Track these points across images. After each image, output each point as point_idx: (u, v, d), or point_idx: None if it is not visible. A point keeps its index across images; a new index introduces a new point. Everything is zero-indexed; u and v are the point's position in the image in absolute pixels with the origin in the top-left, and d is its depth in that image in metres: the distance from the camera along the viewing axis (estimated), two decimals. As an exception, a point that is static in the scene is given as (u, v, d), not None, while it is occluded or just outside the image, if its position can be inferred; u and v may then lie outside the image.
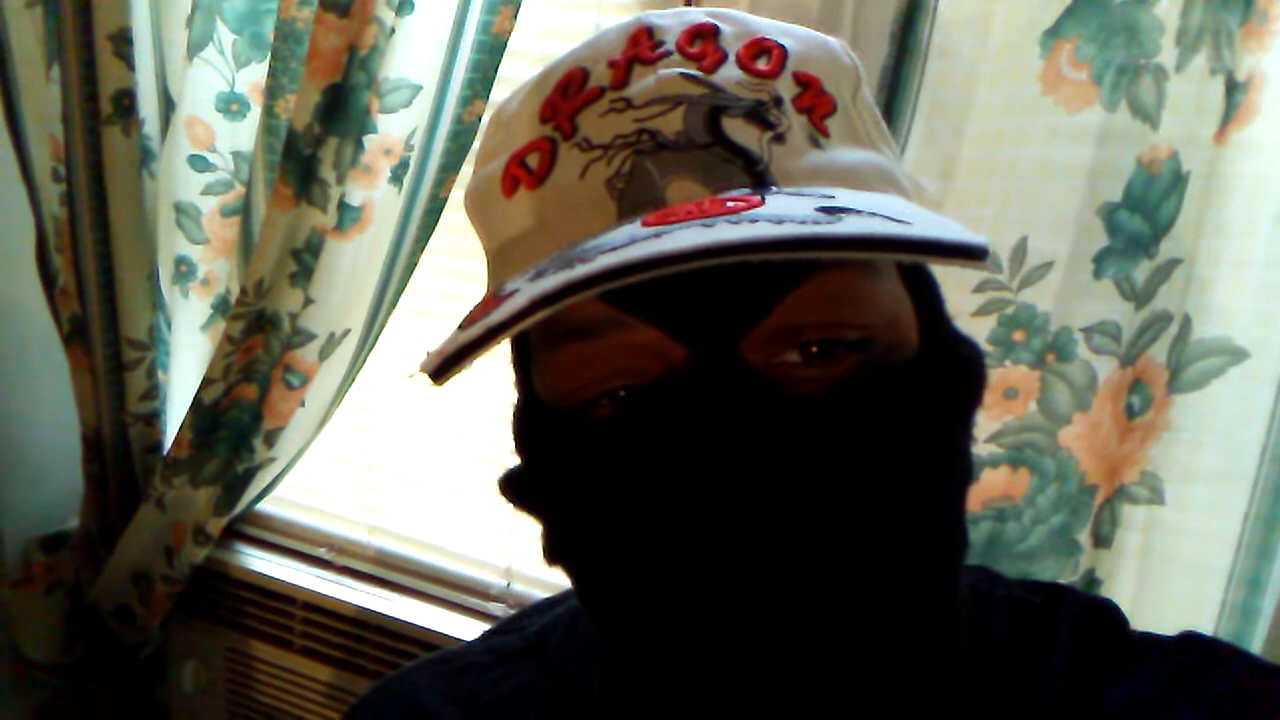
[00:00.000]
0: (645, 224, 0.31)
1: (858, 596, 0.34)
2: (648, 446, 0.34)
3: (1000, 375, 0.71)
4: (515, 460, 0.42)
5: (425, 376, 0.30)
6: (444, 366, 0.29)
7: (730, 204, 0.31)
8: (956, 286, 0.70)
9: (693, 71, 0.37)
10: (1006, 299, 0.70)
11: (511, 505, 0.42)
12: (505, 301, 0.30)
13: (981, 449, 0.72)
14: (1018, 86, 0.67)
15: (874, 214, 0.30)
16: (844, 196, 0.33)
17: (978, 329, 0.71)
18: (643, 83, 0.37)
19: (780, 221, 0.29)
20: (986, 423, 0.72)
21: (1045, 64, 0.66)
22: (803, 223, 0.29)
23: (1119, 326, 0.69)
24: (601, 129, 0.36)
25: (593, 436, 0.36)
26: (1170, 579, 0.71)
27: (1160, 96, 0.64)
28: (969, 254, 0.28)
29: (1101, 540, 0.72)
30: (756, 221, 0.29)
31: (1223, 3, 0.62)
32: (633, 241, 0.29)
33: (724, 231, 0.28)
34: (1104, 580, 0.72)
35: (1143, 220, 0.67)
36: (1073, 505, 0.72)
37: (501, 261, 0.40)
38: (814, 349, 0.35)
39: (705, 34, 0.38)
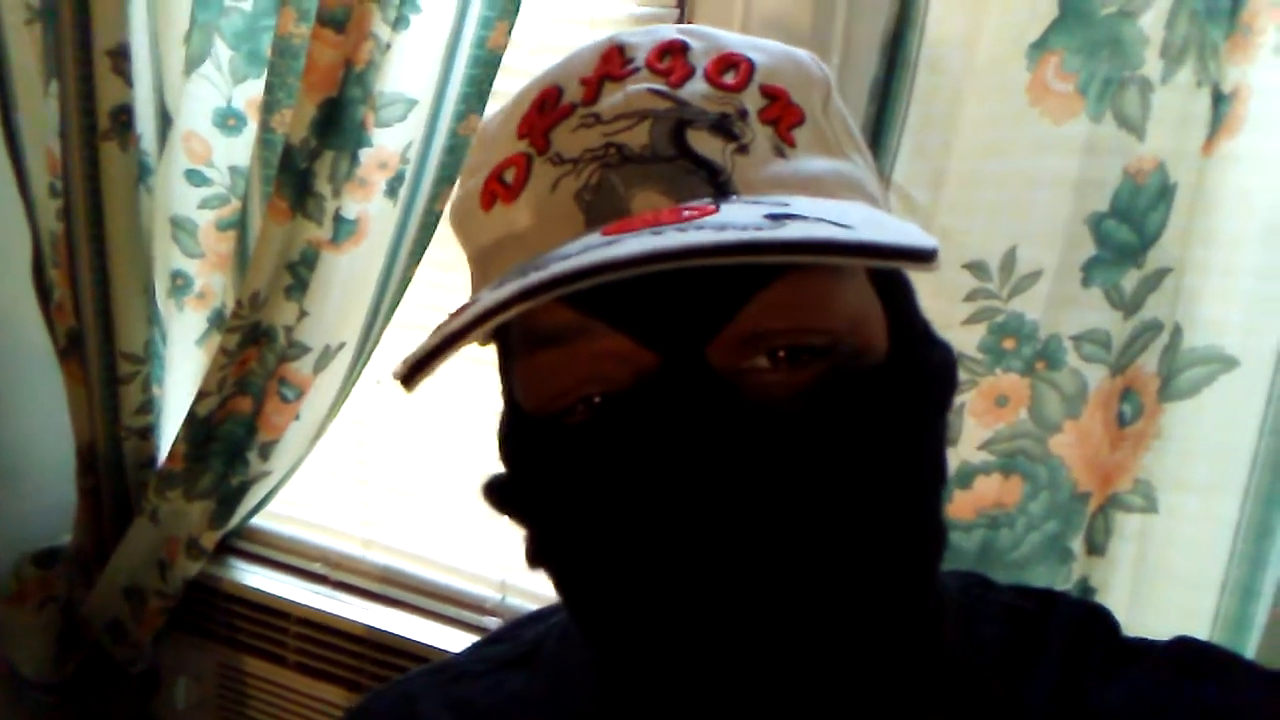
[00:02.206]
0: (605, 233, 0.33)
1: (826, 596, 0.35)
2: (618, 452, 0.35)
3: (991, 383, 0.72)
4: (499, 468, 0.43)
5: (397, 382, 0.32)
6: (411, 372, 0.31)
7: (685, 213, 0.32)
8: (947, 296, 0.71)
9: (659, 86, 0.38)
10: (996, 307, 0.70)
11: (493, 510, 0.43)
12: (466, 310, 0.31)
13: (973, 456, 0.72)
14: (1005, 99, 0.67)
15: (819, 219, 0.31)
16: (799, 204, 0.34)
17: (967, 337, 0.71)
18: (612, 99, 0.38)
19: (723, 228, 0.30)
20: (978, 430, 0.72)
21: (1032, 76, 0.66)
22: (744, 229, 0.30)
23: (1109, 335, 0.70)
24: (572, 144, 0.37)
25: (567, 443, 0.37)
26: (1163, 588, 0.71)
27: (1145, 108, 0.65)
28: (912, 256, 0.29)
29: (1095, 548, 0.72)
30: (702, 229, 0.30)
31: (1208, 16, 0.63)
32: (585, 250, 0.31)
33: (668, 239, 0.29)
34: (1098, 589, 0.72)
35: (1130, 230, 0.67)
36: (1065, 513, 0.72)
37: (479, 272, 0.41)
38: (781, 354, 0.35)
39: (674, 50, 0.39)
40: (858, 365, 0.36)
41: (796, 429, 0.34)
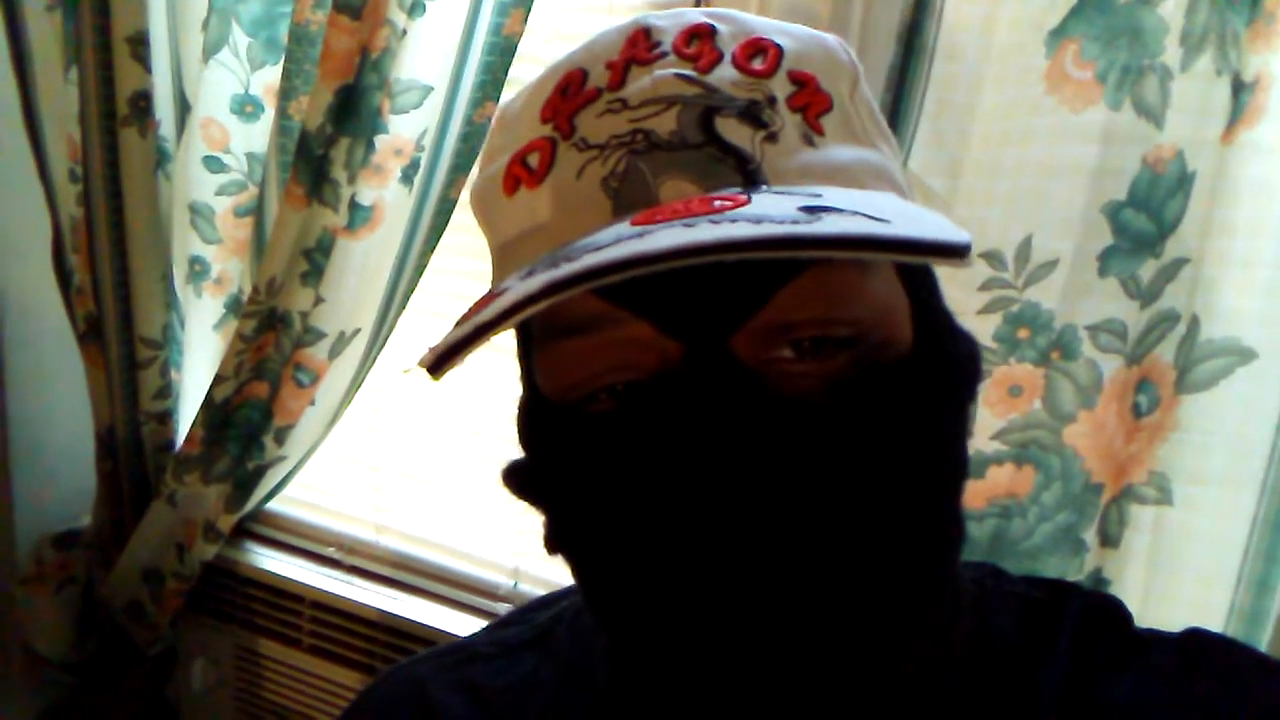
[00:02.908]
0: (634, 223, 0.32)
1: (845, 588, 0.35)
2: (641, 442, 0.35)
3: (1005, 372, 0.71)
4: (519, 453, 0.43)
5: (423, 371, 0.32)
6: (439, 362, 0.31)
7: (716, 203, 0.32)
8: (962, 284, 0.70)
9: (687, 72, 0.37)
10: (1011, 296, 0.70)
11: (513, 495, 0.43)
12: (496, 300, 0.31)
13: (986, 446, 0.72)
14: (1023, 87, 0.67)
15: (855, 212, 0.31)
16: (831, 195, 0.34)
17: (982, 326, 0.71)
18: (639, 84, 0.37)
19: (759, 221, 0.29)
20: (991, 420, 0.72)
21: (1050, 64, 0.66)
22: (781, 222, 0.29)
23: (1125, 325, 0.69)
24: (598, 129, 0.37)
25: (590, 431, 0.37)
26: (1178, 581, 0.70)
27: (1165, 96, 0.65)
28: (948, 252, 0.29)
29: (1109, 540, 0.72)
30: (736, 221, 0.30)
31: (1228, 4, 0.62)
32: (618, 240, 0.30)
33: (703, 232, 0.29)
34: (1111, 580, 0.72)
35: (1148, 219, 0.67)
36: (1078, 503, 0.72)
37: (502, 259, 0.41)
38: (805, 345, 0.35)
39: (702, 34, 0.39)
40: (882, 357, 0.36)
41: (820, 421, 0.34)
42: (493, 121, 0.44)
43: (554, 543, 0.41)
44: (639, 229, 0.31)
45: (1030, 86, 0.67)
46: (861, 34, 0.75)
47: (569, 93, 0.39)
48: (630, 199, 0.36)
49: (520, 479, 0.42)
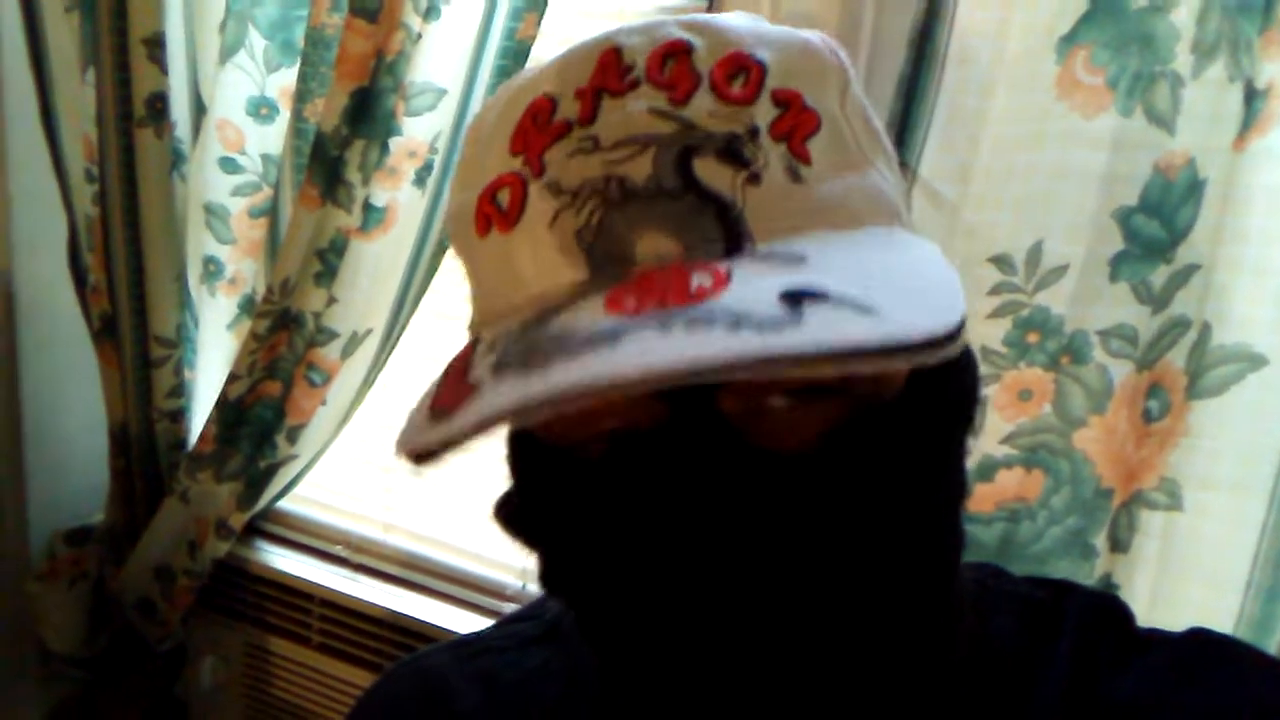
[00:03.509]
0: (609, 304, 0.31)
1: (833, 629, 0.35)
2: (629, 495, 0.35)
3: (1015, 377, 0.71)
4: (508, 485, 0.43)
5: (406, 464, 0.32)
6: (417, 460, 0.31)
7: (695, 283, 0.31)
8: (972, 289, 0.70)
9: (663, 106, 0.35)
10: (1021, 301, 0.70)
11: (504, 532, 0.43)
12: (467, 400, 0.31)
13: (995, 450, 0.72)
14: (1034, 93, 0.67)
15: (842, 300, 0.30)
16: (816, 256, 0.33)
17: (992, 331, 0.71)
18: (611, 118, 0.35)
19: (737, 324, 0.28)
20: (1000, 424, 0.72)
21: (1061, 70, 0.66)
22: (759, 325, 0.28)
23: (1136, 330, 0.69)
24: (570, 172, 0.35)
25: (581, 479, 0.37)
26: (1187, 587, 0.70)
27: (1176, 103, 0.65)
28: (935, 345, 0.28)
29: (1118, 545, 0.72)
30: (713, 326, 0.29)
31: (1241, 11, 0.62)
32: (590, 342, 0.30)
33: (676, 343, 0.28)
34: (1120, 585, 0.72)
35: (1160, 225, 0.67)
36: (1088, 508, 0.72)
37: (478, 301, 0.40)
38: (796, 391, 0.35)
39: (677, 53, 0.36)
40: (875, 400, 0.35)
41: (808, 472, 0.34)
42: (465, 134, 0.43)
43: (549, 583, 0.42)
44: (612, 323, 0.30)
45: (1041, 92, 0.67)
46: (873, 40, 0.75)
47: (539, 121, 0.37)
48: (606, 255, 0.34)
49: (513, 517, 0.43)
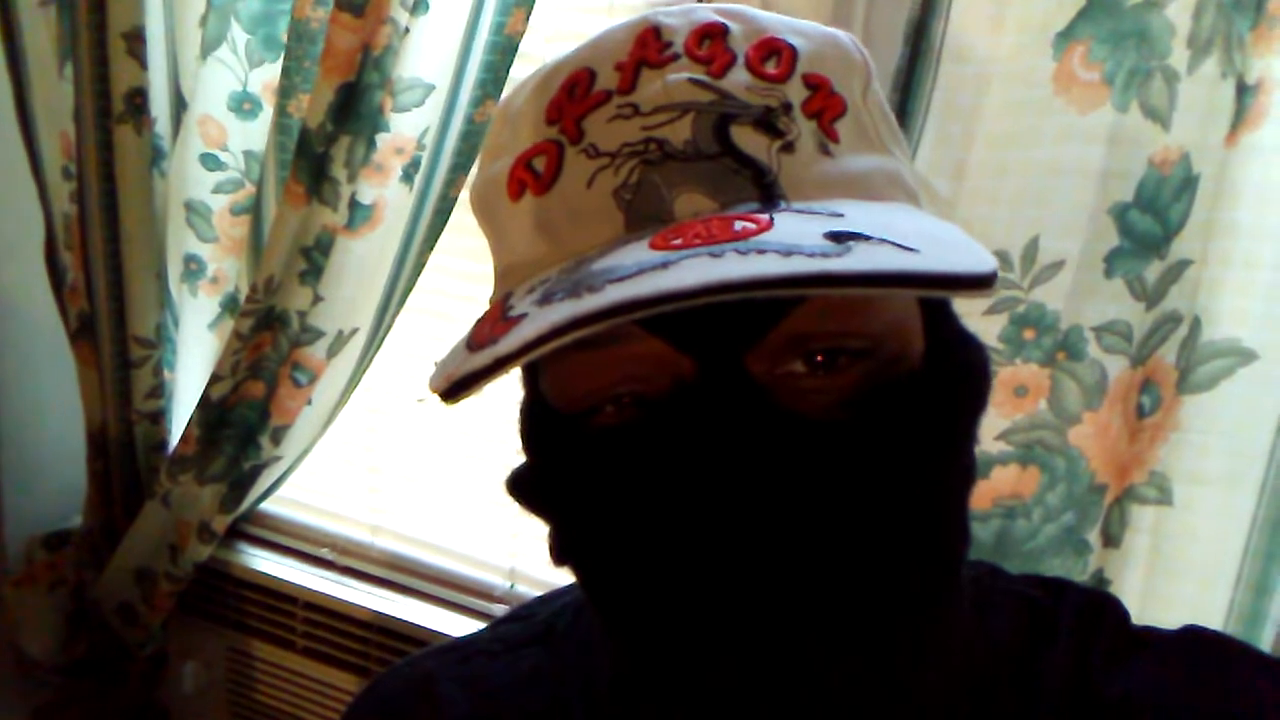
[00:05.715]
0: (653, 245, 0.31)
1: (853, 597, 0.35)
2: (655, 460, 0.35)
3: (1010, 373, 0.71)
4: (521, 459, 0.42)
5: (435, 397, 0.31)
6: (453, 390, 0.30)
7: (737, 225, 0.31)
8: (968, 286, 0.70)
9: (701, 76, 0.36)
10: (1017, 297, 0.70)
11: (518, 506, 0.42)
12: (513, 327, 0.30)
13: (991, 446, 0.72)
14: (1030, 88, 0.67)
15: (883, 240, 0.30)
16: (852, 213, 0.33)
17: (988, 327, 0.71)
18: (651, 88, 0.36)
19: (789, 253, 0.29)
20: (996, 420, 0.72)
21: (1057, 65, 0.66)
22: (810, 255, 0.29)
23: (1130, 326, 0.69)
24: (608, 136, 0.36)
25: (600, 445, 0.37)
26: (1177, 582, 0.71)
27: (1171, 98, 0.65)
28: (977, 284, 0.29)
29: (1111, 540, 0.72)
30: (764, 252, 0.29)
31: (1234, 7, 0.63)
32: (640, 270, 0.29)
33: (731, 265, 0.28)
34: (1112, 581, 0.72)
35: (1154, 221, 0.67)
36: (1082, 504, 0.72)
37: (508, 268, 0.40)
38: (819, 358, 0.35)
39: (714, 34, 0.37)
40: (895, 371, 0.36)
41: (834, 438, 0.34)
42: (494, 117, 0.43)
43: (561, 553, 0.41)
44: (660, 255, 0.30)
45: (1037, 88, 0.67)
46: (865, 34, 0.75)
47: (576, 93, 0.37)
48: (644, 212, 0.35)
49: (527, 489, 0.42)
